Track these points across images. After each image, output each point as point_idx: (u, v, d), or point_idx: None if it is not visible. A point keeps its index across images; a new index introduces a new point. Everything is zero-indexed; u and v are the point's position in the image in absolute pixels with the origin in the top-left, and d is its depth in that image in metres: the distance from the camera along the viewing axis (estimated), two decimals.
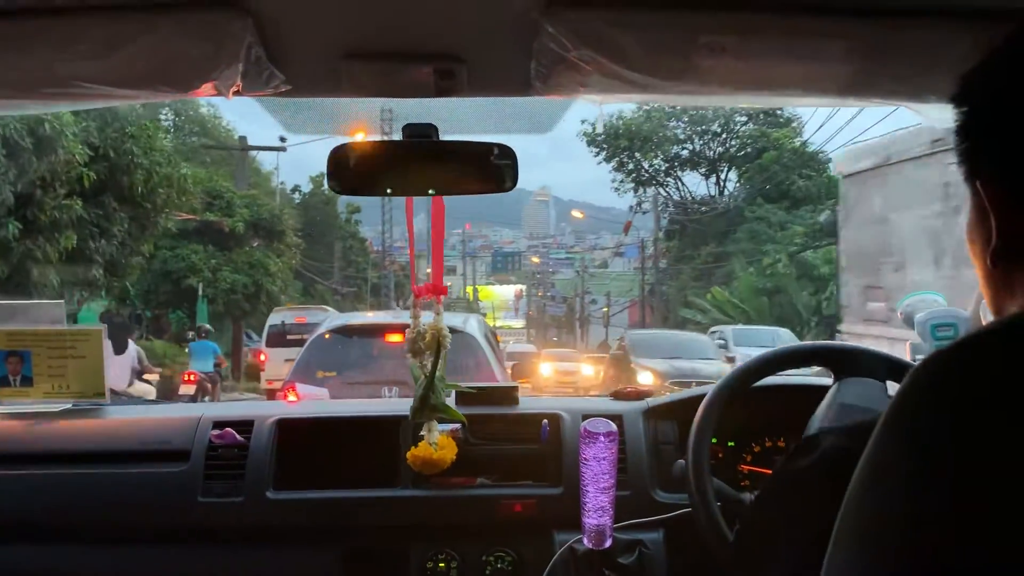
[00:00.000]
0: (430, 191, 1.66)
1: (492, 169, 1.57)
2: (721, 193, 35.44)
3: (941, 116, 1.26)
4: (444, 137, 1.57)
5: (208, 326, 16.41)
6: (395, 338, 6.41)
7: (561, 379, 21.18)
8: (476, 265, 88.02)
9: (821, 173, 29.59)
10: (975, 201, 0.73)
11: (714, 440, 1.81)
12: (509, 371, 7.21)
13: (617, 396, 2.11)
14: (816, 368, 1.68)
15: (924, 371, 0.63)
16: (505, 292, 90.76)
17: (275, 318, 17.26)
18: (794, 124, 30.23)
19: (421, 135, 1.55)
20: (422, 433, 1.84)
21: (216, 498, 1.85)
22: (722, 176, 35.44)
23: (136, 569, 1.87)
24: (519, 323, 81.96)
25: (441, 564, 1.84)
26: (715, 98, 1.52)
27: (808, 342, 1.87)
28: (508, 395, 2.05)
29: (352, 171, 1.57)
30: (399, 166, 1.60)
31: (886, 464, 0.62)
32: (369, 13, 1.25)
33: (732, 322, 24.83)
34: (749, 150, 32.41)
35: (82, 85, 1.32)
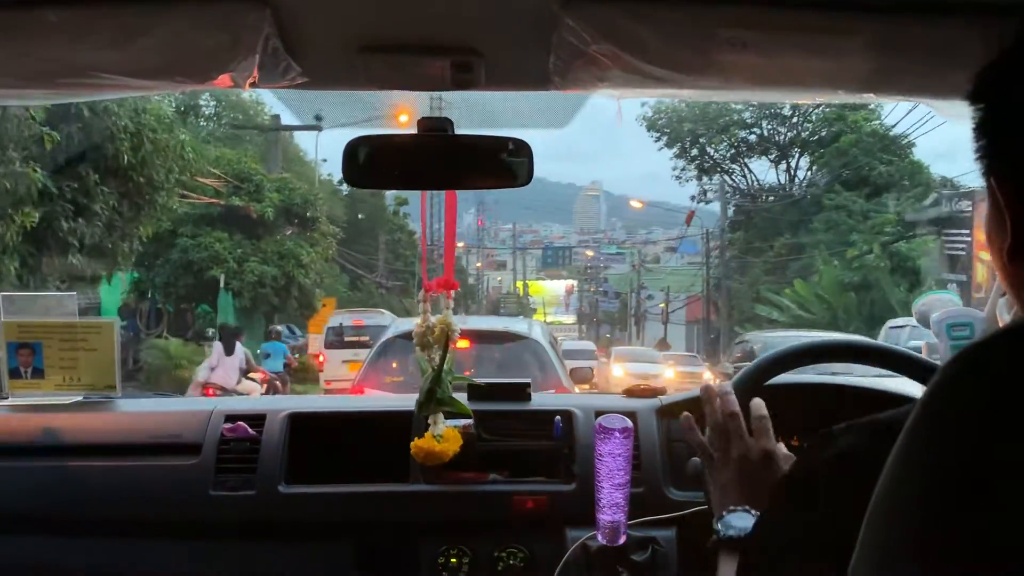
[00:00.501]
0: (444, 186, 1.68)
1: (507, 164, 1.58)
2: (792, 181, 34.26)
3: (962, 113, 1.02)
4: (460, 131, 1.54)
5: (279, 327, 17.57)
6: (462, 344, 6.09)
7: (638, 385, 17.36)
8: (526, 260, 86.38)
9: (903, 158, 27.96)
10: (992, 198, 0.75)
11: None
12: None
13: (630, 393, 2.09)
14: (837, 367, 1.66)
15: (950, 371, 0.62)
16: (555, 287, 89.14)
17: (334, 320, 18.64)
18: (872, 105, 26.56)
19: (436, 129, 1.55)
20: (428, 423, 1.82)
21: (228, 492, 1.87)
22: (792, 163, 33.99)
23: (147, 562, 1.87)
24: (570, 319, 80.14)
25: (453, 560, 1.84)
26: (735, 93, 1.53)
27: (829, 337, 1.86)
28: (520, 391, 2.05)
29: (367, 164, 1.58)
30: (414, 160, 1.60)
31: (912, 468, 0.62)
32: (387, 5, 1.26)
33: (814, 320, 21.33)
34: (823, 134, 30.82)
35: (99, 75, 1.33)
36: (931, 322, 2.44)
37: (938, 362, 1.63)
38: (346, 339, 17.34)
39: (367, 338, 15.77)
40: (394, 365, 6.59)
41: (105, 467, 1.93)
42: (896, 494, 0.62)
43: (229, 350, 11.21)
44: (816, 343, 1.67)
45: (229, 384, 10.89)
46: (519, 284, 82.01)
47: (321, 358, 17.26)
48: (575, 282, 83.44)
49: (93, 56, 1.28)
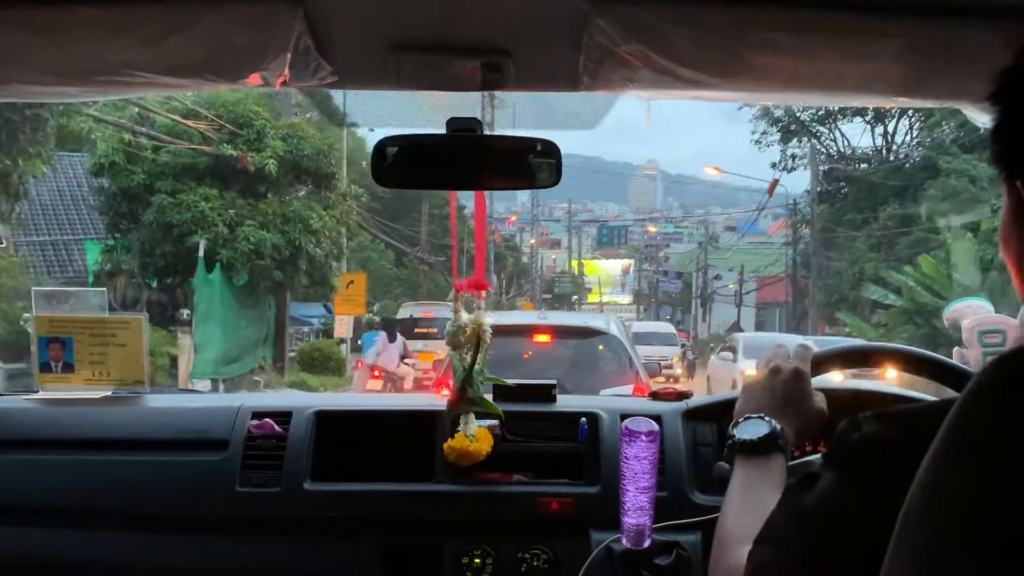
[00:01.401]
0: (473, 186, 1.76)
1: (535, 165, 1.60)
2: (889, 146, 28.14)
3: None
4: (489, 131, 1.63)
5: (375, 318, 18.22)
6: (542, 338, 7.01)
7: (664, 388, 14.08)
8: (581, 239, 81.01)
9: None
10: (1013, 201, 0.77)
11: None
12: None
13: (656, 396, 2.12)
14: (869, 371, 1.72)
15: (985, 379, 0.64)
16: (611, 267, 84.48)
17: (404, 312, 19.97)
18: None
19: (465, 129, 1.58)
20: (459, 426, 1.90)
21: (253, 488, 1.91)
22: (890, 125, 30.43)
23: (173, 557, 1.94)
24: (626, 299, 76.92)
25: (476, 560, 1.87)
26: (765, 95, 1.55)
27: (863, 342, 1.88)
28: (546, 392, 2.08)
29: (396, 164, 1.61)
30: (443, 160, 1.63)
31: (945, 472, 0.63)
32: (418, 5, 1.31)
33: (943, 303, 15.62)
34: None
35: (133, 73, 1.38)
36: (962, 329, 2.44)
37: (971, 370, 1.63)
38: (416, 330, 17.73)
39: (435, 330, 16.86)
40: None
41: (133, 461, 1.98)
42: (932, 499, 0.63)
43: (392, 338, 13.84)
44: (852, 346, 1.70)
45: (391, 367, 13.53)
46: (574, 263, 77.24)
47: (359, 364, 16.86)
48: (632, 261, 79.88)
49: (128, 54, 1.33)
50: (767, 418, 1.25)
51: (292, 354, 21.03)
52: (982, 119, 1.35)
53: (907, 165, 27.13)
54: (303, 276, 16.23)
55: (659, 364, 24.39)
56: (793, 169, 31.52)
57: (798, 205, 30.57)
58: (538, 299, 63.28)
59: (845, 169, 29.96)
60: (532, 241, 58.92)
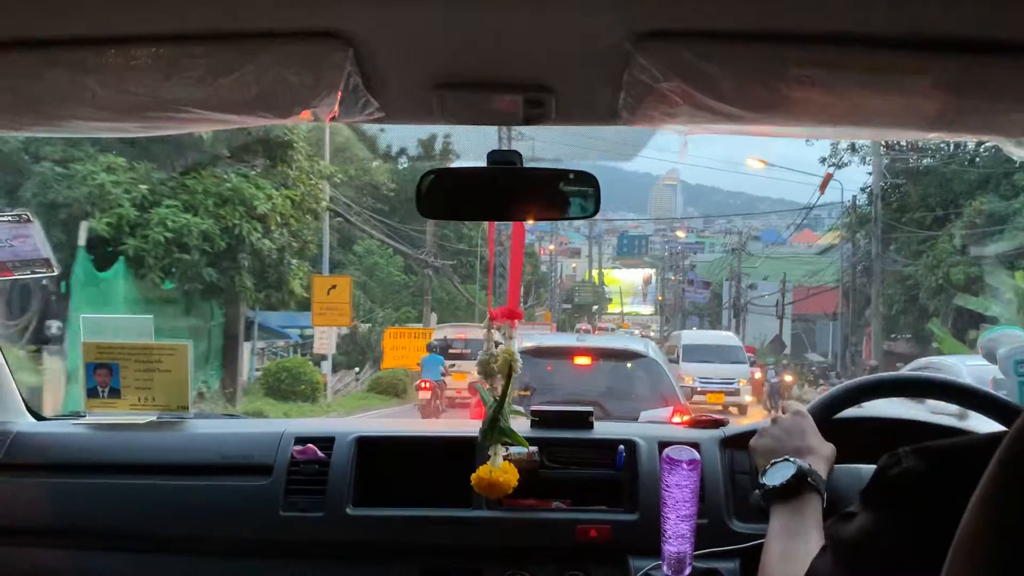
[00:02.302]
0: (512, 217, 1.74)
1: (574, 196, 1.60)
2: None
3: None
4: (528, 164, 1.65)
5: (434, 342, 19.30)
6: (583, 360, 7.02)
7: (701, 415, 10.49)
8: (602, 248, 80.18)
9: None
10: None
11: None
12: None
13: (693, 424, 2.10)
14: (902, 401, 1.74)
15: None
16: (632, 276, 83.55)
17: (438, 334, 20.85)
18: None
19: (505, 162, 1.58)
20: (489, 454, 1.88)
21: (297, 513, 1.90)
22: None
23: None
24: (648, 309, 76.00)
25: None
26: (803, 129, 1.52)
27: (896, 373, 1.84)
28: (583, 419, 2.06)
29: (438, 196, 1.63)
30: (483, 192, 1.64)
31: (999, 506, 0.62)
32: (463, 44, 1.32)
33: None
34: None
35: (187, 109, 1.39)
36: (998, 358, 2.19)
37: (1012, 401, 1.68)
38: (450, 351, 18.95)
39: (469, 351, 18.21)
40: (520, 380, 5.21)
41: (178, 486, 1.97)
42: (981, 535, 0.62)
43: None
44: (891, 377, 1.69)
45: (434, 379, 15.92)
46: (595, 272, 75.75)
47: (418, 367, 17.96)
48: (653, 271, 78.24)
49: (182, 92, 1.34)
50: (792, 459, 1.25)
51: (259, 373, 16.35)
52: (1019, 153, 1.33)
53: (980, 155, 23.22)
54: (245, 276, 11.74)
55: (721, 391, 19.27)
56: (845, 165, 27.23)
57: (856, 203, 25.83)
58: (557, 309, 59.54)
59: (908, 162, 25.11)
60: (551, 247, 54.64)
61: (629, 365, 7.08)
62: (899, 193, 25.88)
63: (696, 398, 19.45)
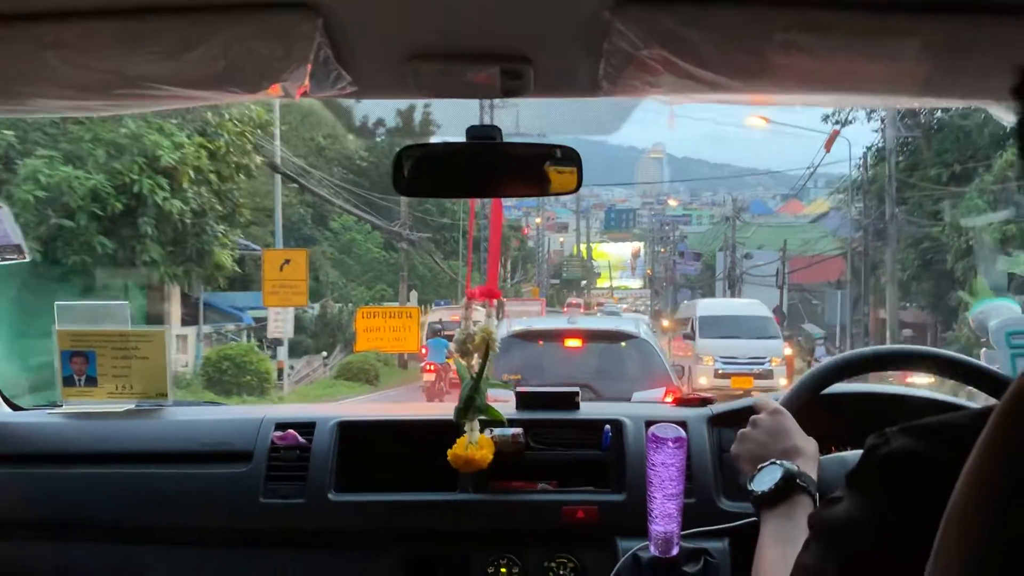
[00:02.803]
0: (492, 194, 1.73)
1: (555, 172, 1.54)
2: None
3: None
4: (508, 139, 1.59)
5: (437, 325, 18.64)
6: (574, 343, 6.93)
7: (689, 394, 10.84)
8: (589, 222, 79.62)
9: None
10: None
11: None
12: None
13: (680, 402, 2.05)
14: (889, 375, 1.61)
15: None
16: (620, 250, 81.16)
17: (434, 316, 20.76)
18: None
19: (484, 137, 1.53)
20: (465, 431, 1.85)
21: (278, 499, 1.86)
22: None
23: (197, 569, 1.90)
24: (637, 283, 72.89)
25: (503, 570, 1.82)
26: (788, 96, 1.47)
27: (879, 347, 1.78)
28: (568, 400, 2.01)
29: (416, 173, 1.56)
30: (462, 168, 1.58)
31: (985, 480, 0.61)
32: (437, 14, 1.28)
33: None
34: None
35: (153, 86, 1.35)
36: (989, 330, 2.16)
37: (1006, 374, 1.61)
38: (444, 333, 18.21)
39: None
40: (511, 365, 6.34)
41: (157, 474, 1.92)
42: (971, 510, 0.60)
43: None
44: (885, 350, 1.67)
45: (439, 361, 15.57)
46: (583, 247, 74.97)
47: (424, 350, 17.69)
48: (641, 244, 76.44)
49: (146, 68, 1.30)
50: (778, 463, 1.22)
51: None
52: (1008, 118, 1.28)
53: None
54: (151, 246, 9.12)
55: (748, 373, 16.32)
56: (850, 122, 24.54)
57: (867, 159, 23.44)
58: (545, 284, 57.71)
59: (918, 117, 22.59)
60: (538, 220, 52.33)
61: (621, 346, 6.96)
62: (909, 149, 23.62)
63: (718, 382, 16.16)
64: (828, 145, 24.49)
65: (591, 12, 1.17)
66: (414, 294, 33.47)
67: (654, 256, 64.76)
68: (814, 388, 1.51)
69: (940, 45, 1.21)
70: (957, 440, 0.64)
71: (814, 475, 1.23)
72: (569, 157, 1.52)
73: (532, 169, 1.54)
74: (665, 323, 29.47)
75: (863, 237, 25.06)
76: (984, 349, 2.17)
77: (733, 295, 37.37)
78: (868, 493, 0.82)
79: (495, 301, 1.88)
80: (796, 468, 1.21)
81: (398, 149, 1.55)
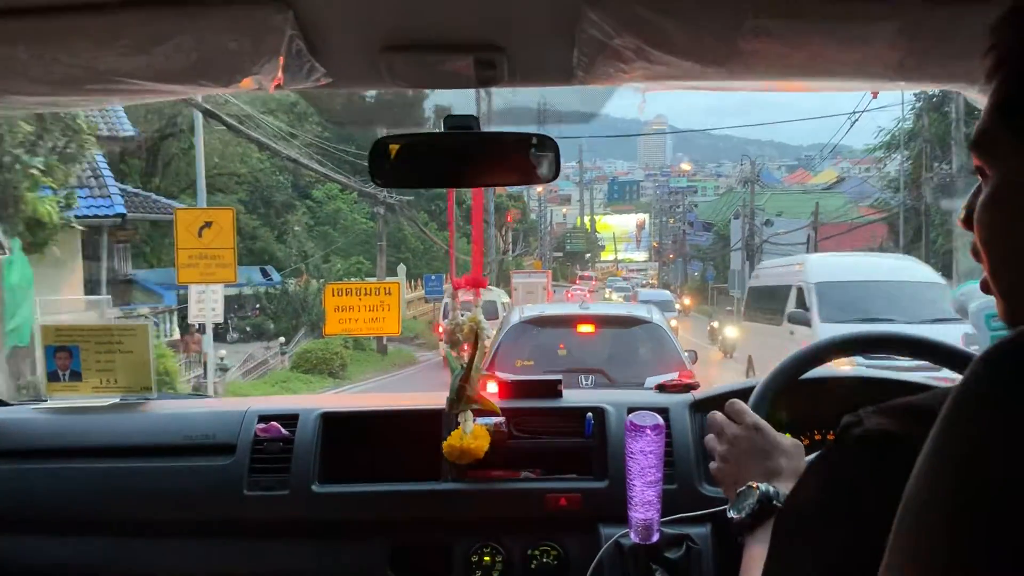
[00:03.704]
0: (471, 183, 1.66)
1: (533, 160, 1.52)
2: None
3: None
4: (485, 128, 1.58)
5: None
6: (586, 328, 6.77)
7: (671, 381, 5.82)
8: (593, 194, 78.84)
9: None
10: (1005, 180, 0.70)
11: None
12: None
13: (662, 389, 2.01)
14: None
15: (985, 364, 0.59)
16: (625, 222, 77.07)
17: (449, 298, 18.45)
18: None
19: (462, 127, 1.51)
20: (458, 422, 1.84)
21: (262, 491, 1.83)
22: None
23: (181, 562, 1.87)
24: (641, 256, 69.30)
25: (486, 558, 1.79)
26: (761, 82, 1.44)
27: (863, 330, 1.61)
28: (551, 388, 1.98)
29: (394, 163, 1.53)
30: (440, 158, 1.56)
31: (942, 460, 0.59)
32: (409, 4, 1.25)
33: None
34: None
35: (125, 80, 1.32)
36: (969, 312, 2.16)
37: (973, 351, 1.54)
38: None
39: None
40: (524, 350, 6.39)
41: (141, 468, 1.88)
42: (928, 493, 0.59)
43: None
44: (855, 335, 1.57)
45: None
46: (586, 219, 72.21)
47: (440, 328, 18.28)
48: (646, 216, 72.78)
49: (118, 62, 1.27)
50: (755, 486, 1.15)
51: None
52: (983, 101, 1.15)
53: None
54: None
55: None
56: None
57: (921, 109, 19.49)
58: (548, 258, 53.75)
59: None
60: (539, 190, 48.64)
61: (633, 331, 6.77)
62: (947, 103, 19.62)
63: None
64: (876, 92, 20.35)
65: (563, 1, 1.15)
66: (402, 268, 29.11)
67: (662, 228, 62.70)
68: (793, 374, 1.49)
69: (912, 29, 1.19)
70: (928, 420, 0.61)
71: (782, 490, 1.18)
72: (546, 145, 1.51)
73: (510, 158, 1.52)
74: (686, 301, 25.51)
75: (917, 194, 21.05)
76: (963, 331, 2.32)
77: (752, 266, 33.25)
78: (842, 472, 0.79)
79: (481, 291, 1.86)
80: (773, 490, 1.13)
81: (375, 140, 1.53)
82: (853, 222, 28.34)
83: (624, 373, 5.75)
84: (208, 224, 12.03)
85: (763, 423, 1.23)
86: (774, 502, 1.10)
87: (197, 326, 13.65)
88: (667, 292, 32.04)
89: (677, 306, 29.07)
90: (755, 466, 1.18)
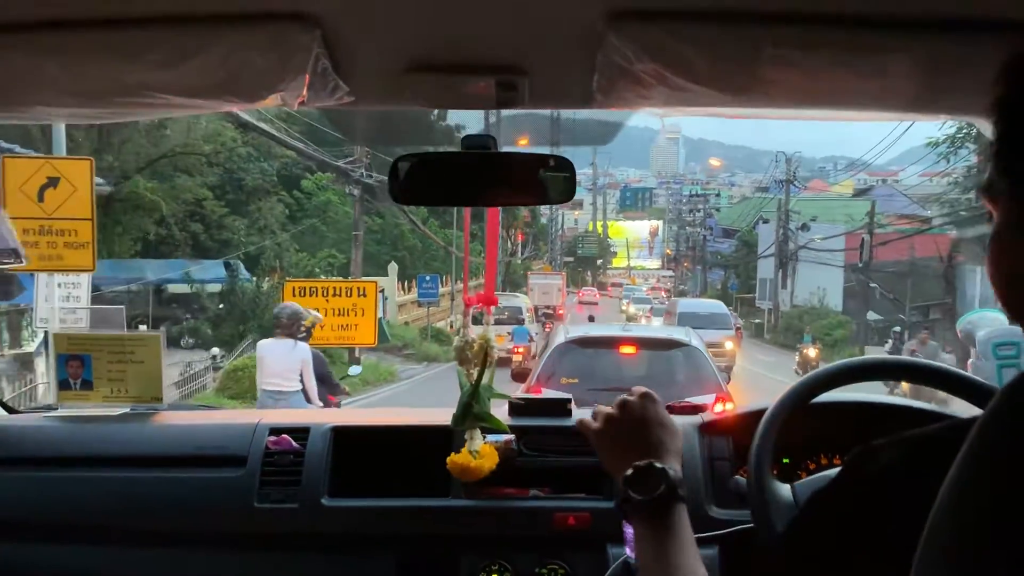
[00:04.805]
0: (487, 202, 1.67)
1: (549, 180, 1.50)
2: None
3: None
4: (503, 149, 1.60)
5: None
6: (628, 350, 6.91)
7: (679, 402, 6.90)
8: (606, 200, 73.38)
9: None
10: (1012, 216, 0.70)
11: None
12: None
13: (671, 410, 1.90)
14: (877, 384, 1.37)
15: (1010, 395, 0.59)
16: (637, 228, 73.63)
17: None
18: None
19: (479, 146, 1.49)
20: (465, 439, 1.81)
21: (272, 504, 1.81)
22: None
23: (189, 573, 1.85)
24: (654, 263, 65.64)
25: (494, 575, 1.79)
26: (779, 111, 1.43)
27: (868, 356, 1.63)
28: (561, 407, 1.96)
29: (411, 181, 1.52)
30: (457, 177, 1.54)
31: (968, 490, 0.59)
32: (434, 26, 1.24)
33: None
34: None
35: (152, 94, 1.30)
36: (976, 341, 2.17)
37: (994, 385, 1.53)
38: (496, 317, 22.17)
39: (506, 315, 20.91)
40: (570, 369, 6.44)
41: (151, 478, 1.86)
42: (952, 522, 0.58)
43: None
44: (873, 361, 1.56)
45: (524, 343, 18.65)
46: (599, 224, 68.48)
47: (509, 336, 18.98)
48: (660, 223, 69.28)
49: (146, 76, 1.25)
50: (658, 464, 1.07)
51: None
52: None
53: None
54: None
55: None
56: None
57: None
58: (558, 262, 49.97)
59: None
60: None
61: (672, 353, 6.88)
62: None
63: None
64: None
65: (585, 26, 1.14)
66: (393, 266, 24.66)
67: (678, 234, 59.34)
68: (805, 397, 1.47)
69: (928, 62, 1.18)
70: (946, 453, 0.61)
71: (679, 472, 1.09)
72: (563, 166, 1.49)
73: (526, 178, 1.50)
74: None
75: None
76: (971, 359, 2.15)
77: (784, 275, 28.84)
78: (863, 512, 0.77)
79: (492, 308, 1.83)
80: (678, 475, 1.06)
81: (394, 159, 1.52)
82: (892, 233, 24.20)
83: (664, 393, 4.92)
84: (54, 182, 7.89)
85: (656, 398, 1.17)
86: (679, 490, 1.03)
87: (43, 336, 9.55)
88: (719, 304, 25.01)
89: (736, 322, 23.55)
90: (641, 436, 1.11)
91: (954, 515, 0.57)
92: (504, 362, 24.33)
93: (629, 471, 1.04)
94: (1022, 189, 0.66)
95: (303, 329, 7.26)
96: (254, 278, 19.41)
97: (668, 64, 1.15)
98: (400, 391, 18.11)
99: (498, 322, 21.06)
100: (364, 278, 16.91)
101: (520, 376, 7.72)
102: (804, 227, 30.96)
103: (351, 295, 14.73)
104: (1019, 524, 0.52)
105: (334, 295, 14.81)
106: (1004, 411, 0.57)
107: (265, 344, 7.42)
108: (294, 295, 15.24)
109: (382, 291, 23.53)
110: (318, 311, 16.00)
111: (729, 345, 17.64)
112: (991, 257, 0.69)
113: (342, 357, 17.90)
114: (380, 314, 22.63)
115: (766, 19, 1.10)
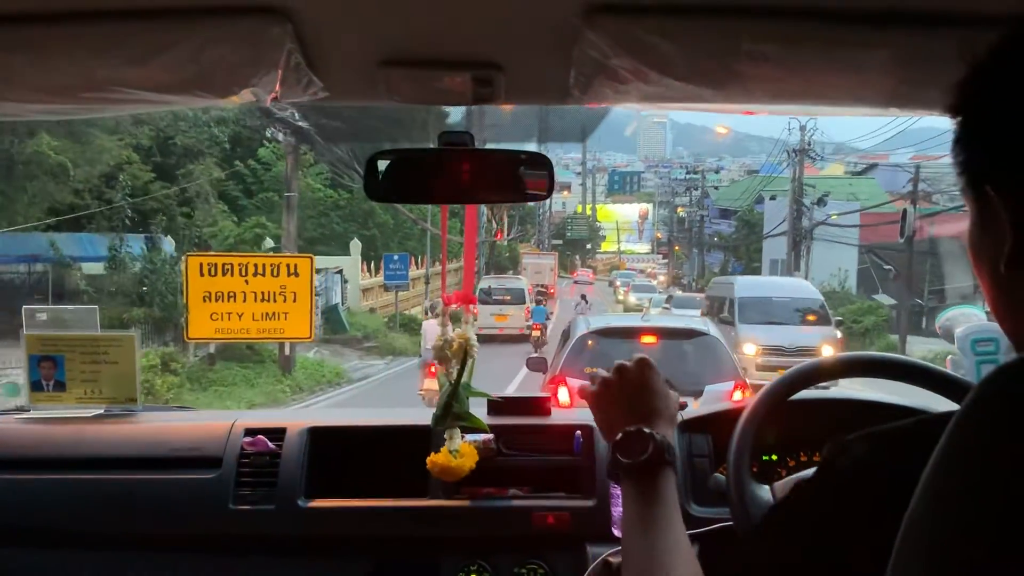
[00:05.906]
0: (464, 200, 1.65)
1: (526, 177, 1.48)
2: None
3: None
4: (480, 145, 1.60)
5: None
6: (649, 339, 7.07)
7: None
8: (595, 182, 68.99)
9: None
10: (982, 207, 0.69)
11: None
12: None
13: None
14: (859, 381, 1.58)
15: (985, 392, 0.60)
16: (627, 212, 69.29)
17: (484, 283, 23.14)
18: None
19: (457, 143, 1.47)
20: (444, 438, 1.81)
21: (248, 506, 1.78)
22: None
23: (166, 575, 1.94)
24: (644, 247, 61.59)
25: (473, 575, 1.83)
26: (757, 105, 1.41)
27: (846, 354, 1.58)
28: (540, 406, 1.94)
29: (388, 178, 1.49)
30: (434, 174, 1.52)
31: (947, 482, 0.59)
32: (408, 21, 1.22)
33: None
34: None
35: (122, 90, 1.26)
36: (955, 337, 2.06)
37: (970, 380, 1.53)
38: (494, 297, 21.92)
39: (509, 297, 22.20)
40: (592, 359, 6.67)
41: (126, 480, 1.83)
42: (931, 514, 0.58)
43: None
44: (852, 357, 1.53)
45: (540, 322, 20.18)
46: (587, 207, 64.24)
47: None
48: (649, 206, 65.51)
49: (115, 72, 1.21)
50: (647, 430, 1.07)
51: None
52: None
53: None
54: None
55: None
56: None
57: None
58: (546, 245, 46.02)
59: None
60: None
61: (692, 342, 7.11)
62: None
63: None
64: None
65: (561, 21, 1.13)
66: (356, 244, 20.50)
67: (671, 217, 55.36)
68: (783, 395, 1.44)
69: (906, 57, 1.17)
70: (918, 447, 0.62)
71: (672, 439, 1.10)
72: (540, 162, 1.47)
73: (504, 175, 1.47)
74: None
75: None
76: (949, 356, 2.09)
77: (796, 257, 25.16)
78: (834, 505, 0.79)
79: (471, 307, 1.82)
80: (667, 440, 1.06)
81: (369, 156, 1.51)
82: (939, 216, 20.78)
83: (685, 381, 5.20)
84: None
85: (653, 364, 1.15)
86: (667, 455, 1.04)
87: None
88: (806, 284, 19.39)
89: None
90: (636, 401, 1.11)
91: (933, 506, 0.57)
92: (519, 339, 19.65)
93: (619, 435, 1.05)
94: (979, 189, 0.67)
95: None
96: (177, 255, 15.57)
97: (645, 59, 1.12)
98: (341, 399, 13.61)
99: (501, 302, 22.14)
100: (298, 254, 13.11)
101: (536, 366, 7.54)
102: (821, 201, 27.03)
103: (278, 274, 10.93)
104: (996, 514, 0.52)
105: (255, 274, 10.95)
106: (981, 404, 0.58)
107: None
108: (202, 276, 11.27)
109: (340, 272, 19.66)
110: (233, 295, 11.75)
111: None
112: (972, 254, 0.72)
113: (272, 354, 13.99)
114: (337, 300, 18.65)
115: (743, 14, 1.09)
